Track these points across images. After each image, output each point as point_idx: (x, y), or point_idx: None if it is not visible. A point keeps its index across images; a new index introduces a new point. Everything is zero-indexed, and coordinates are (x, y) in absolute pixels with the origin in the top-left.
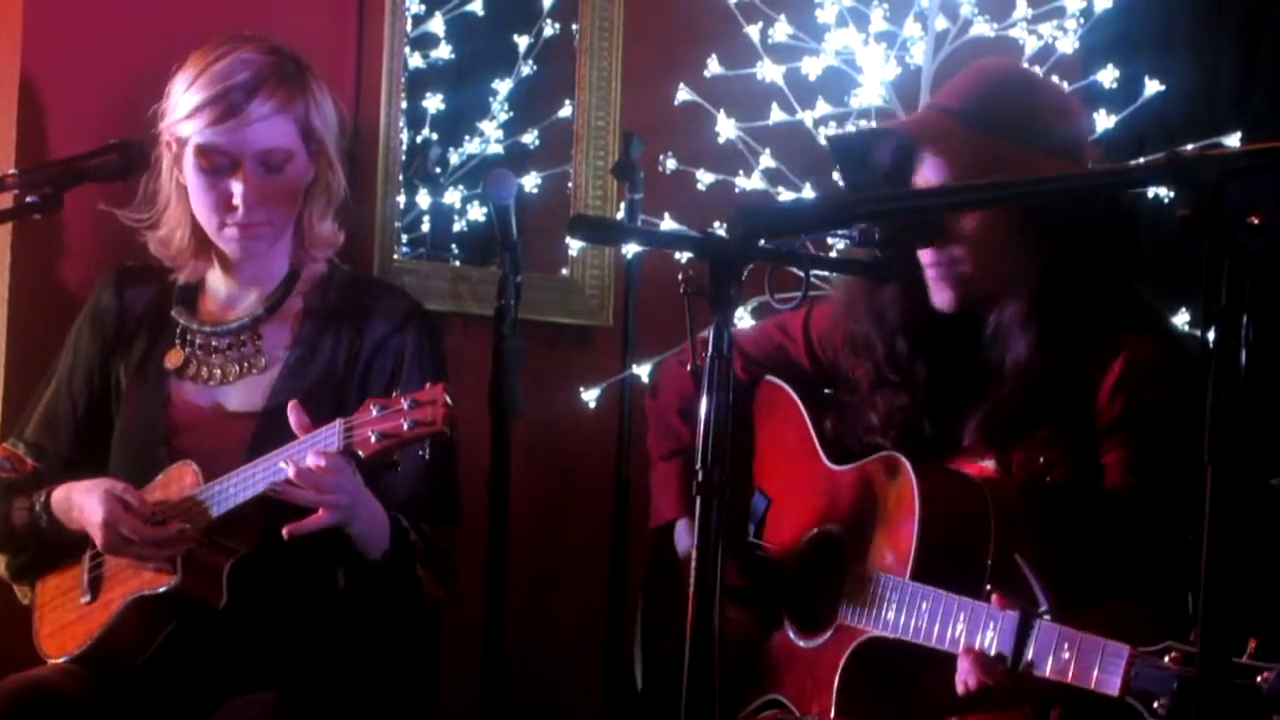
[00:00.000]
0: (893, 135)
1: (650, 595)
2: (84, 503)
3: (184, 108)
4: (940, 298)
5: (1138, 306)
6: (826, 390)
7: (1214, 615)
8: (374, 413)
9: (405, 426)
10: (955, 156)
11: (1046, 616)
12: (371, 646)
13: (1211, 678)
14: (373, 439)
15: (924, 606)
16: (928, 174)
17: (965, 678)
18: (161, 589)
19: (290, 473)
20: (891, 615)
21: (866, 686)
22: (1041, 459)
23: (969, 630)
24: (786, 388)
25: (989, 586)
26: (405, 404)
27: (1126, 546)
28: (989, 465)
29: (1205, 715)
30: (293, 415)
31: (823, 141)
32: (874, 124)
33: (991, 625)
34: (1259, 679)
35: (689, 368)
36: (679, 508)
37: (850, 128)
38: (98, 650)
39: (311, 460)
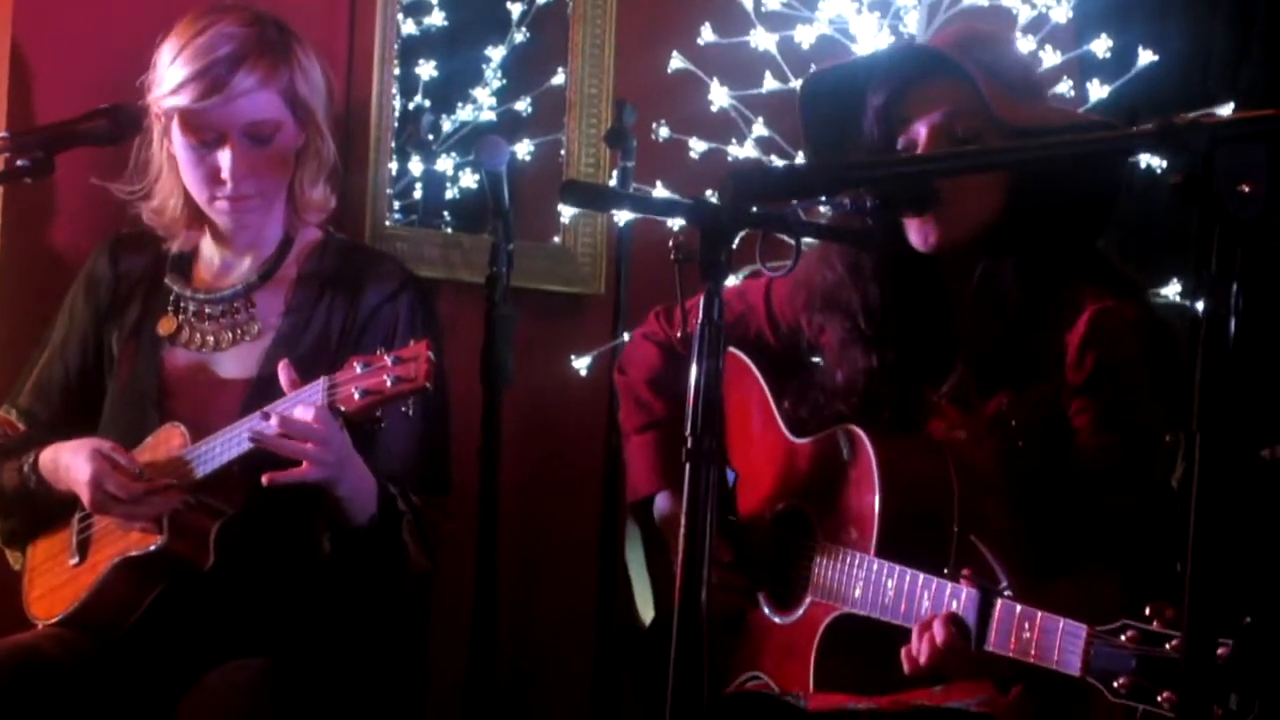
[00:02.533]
0: (882, 61)
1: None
2: (71, 462)
3: (169, 82)
4: (921, 240)
5: (1099, 264)
6: (787, 361)
7: (1201, 586)
8: (358, 370)
9: (388, 383)
10: (967, 77)
11: (1007, 593)
12: (361, 612)
13: (1198, 653)
14: (356, 396)
15: (889, 584)
16: (922, 107)
17: (917, 652)
18: (149, 549)
19: (274, 424)
20: (859, 593)
21: (843, 660)
22: (1012, 422)
23: (933, 607)
24: (747, 360)
25: (954, 568)
26: (389, 360)
27: (1099, 507)
28: (958, 435)
29: (1190, 692)
30: (283, 374)
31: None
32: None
33: (954, 602)
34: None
35: (679, 335)
36: (656, 481)
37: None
38: (85, 612)
39: (299, 412)
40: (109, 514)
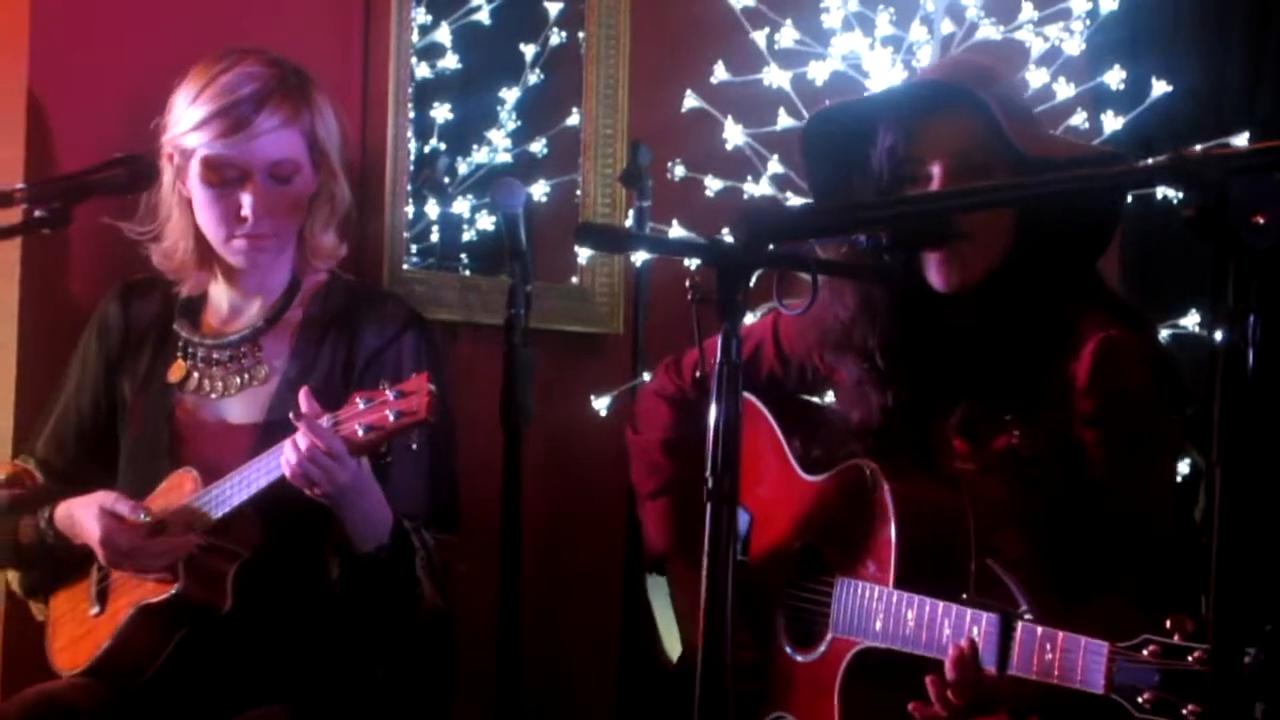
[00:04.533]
0: (892, 98)
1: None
2: (82, 518)
3: (189, 121)
4: (940, 279)
5: (1099, 289)
6: (796, 400)
7: (1225, 613)
8: (360, 406)
9: (391, 417)
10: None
11: (1027, 616)
12: (384, 654)
13: (1224, 678)
14: (360, 432)
15: (909, 615)
16: (935, 144)
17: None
18: (166, 595)
19: (303, 426)
20: (879, 625)
21: (867, 695)
22: (1023, 453)
23: (954, 635)
24: (756, 401)
25: (973, 596)
26: (390, 395)
27: (1114, 534)
28: (968, 468)
29: (1218, 703)
30: (304, 402)
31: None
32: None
33: (975, 629)
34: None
35: (696, 374)
36: (669, 545)
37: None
38: (107, 661)
39: (302, 439)
40: (124, 569)
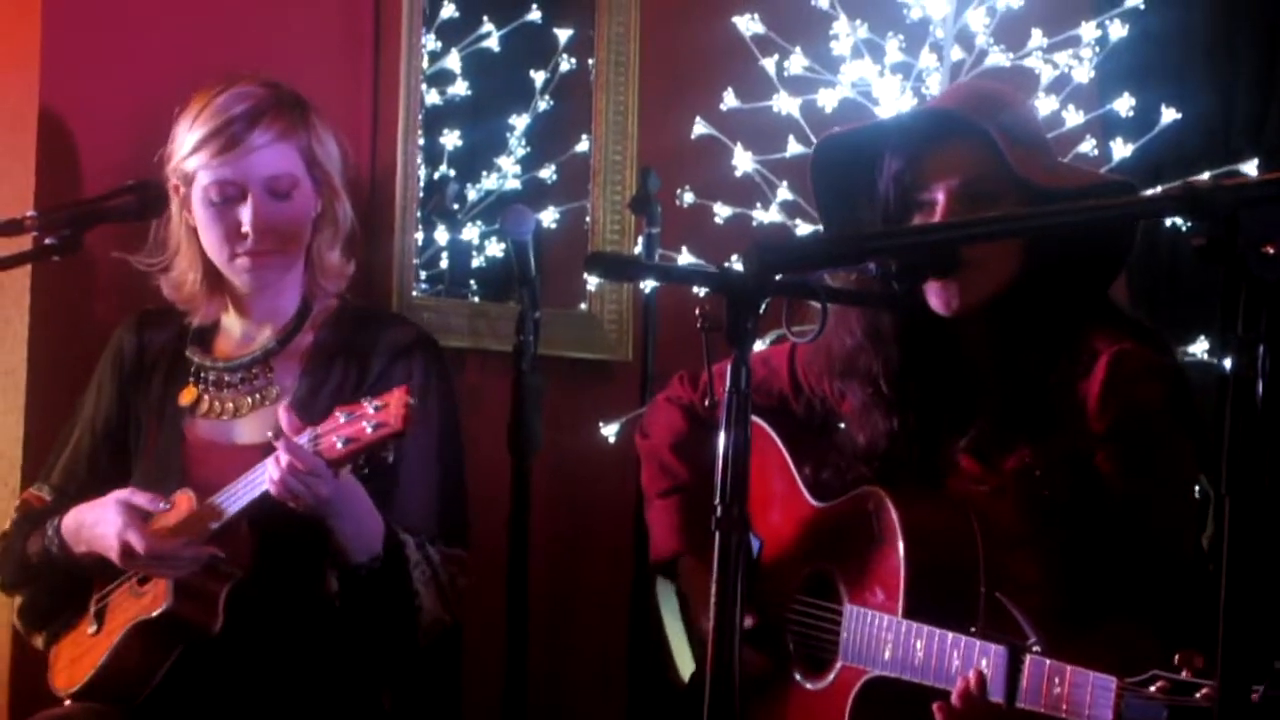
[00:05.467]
0: (899, 125)
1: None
2: (95, 519)
3: (188, 145)
4: (942, 304)
5: (1111, 311)
6: (807, 426)
7: (1234, 650)
8: (340, 419)
9: (368, 430)
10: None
11: (1036, 649)
12: (387, 672)
13: (1232, 708)
14: (339, 445)
15: (918, 645)
16: (940, 172)
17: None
18: (155, 613)
19: (282, 445)
20: (888, 654)
21: None
22: (1036, 472)
23: (963, 666)
24: (766, 427)
25: (982, 625)
26: (369, 409)
27: (1130, 555)
28: (980, 490)
29: None
30: (283, 417)
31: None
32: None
33: (984, 660)
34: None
35: (706, 402)
36: (679, 545)
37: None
38: (103, 679)
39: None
40: (140, 568)
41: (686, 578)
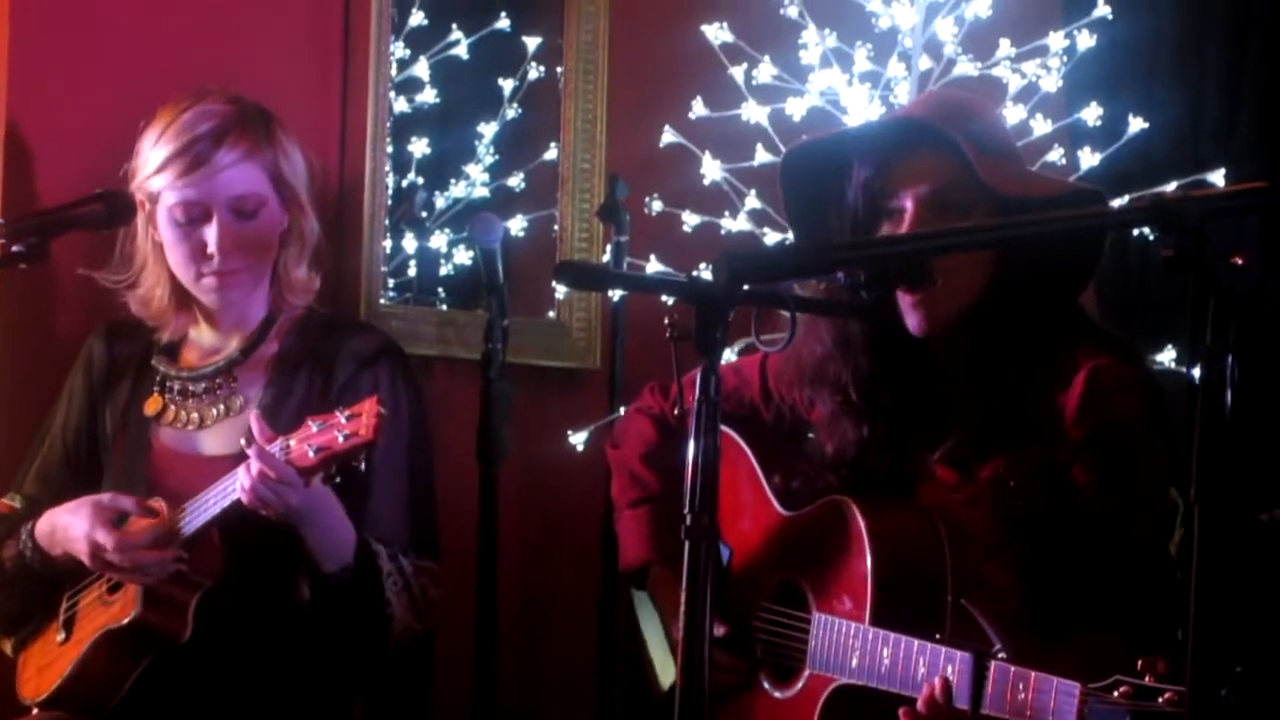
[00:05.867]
0: (868, 133)
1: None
2: (67, 523)
3: (153, 163)
4: (915, 323)
5: (1085, 323)
6: (776, 435)
7: (1202, 652)
8: (313, 429)
9: (340, 439)
10: (953, 145)
11: (1001, 655)
12: (359, 682)
13: (1202, 712)
14: (310, 454)
15: (884, 652)
16: (908, 180)
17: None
18: (124, 621)
19: (253, 453)
20: (855, 662)
21: None
22: (1010, 482)
23: (929, 673)
24: (735, 435)
25: (948, 633)
26: (341, 418)
27: (1102, 564)
28: (956, 497)
29: None
30: (254, 425)
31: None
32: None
33: (949, 667)
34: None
35: (675, 411)
36: (649, 554)
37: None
38: (71, 688)
39: (252, 464)
40: (105, 569)
41: (657, 588)
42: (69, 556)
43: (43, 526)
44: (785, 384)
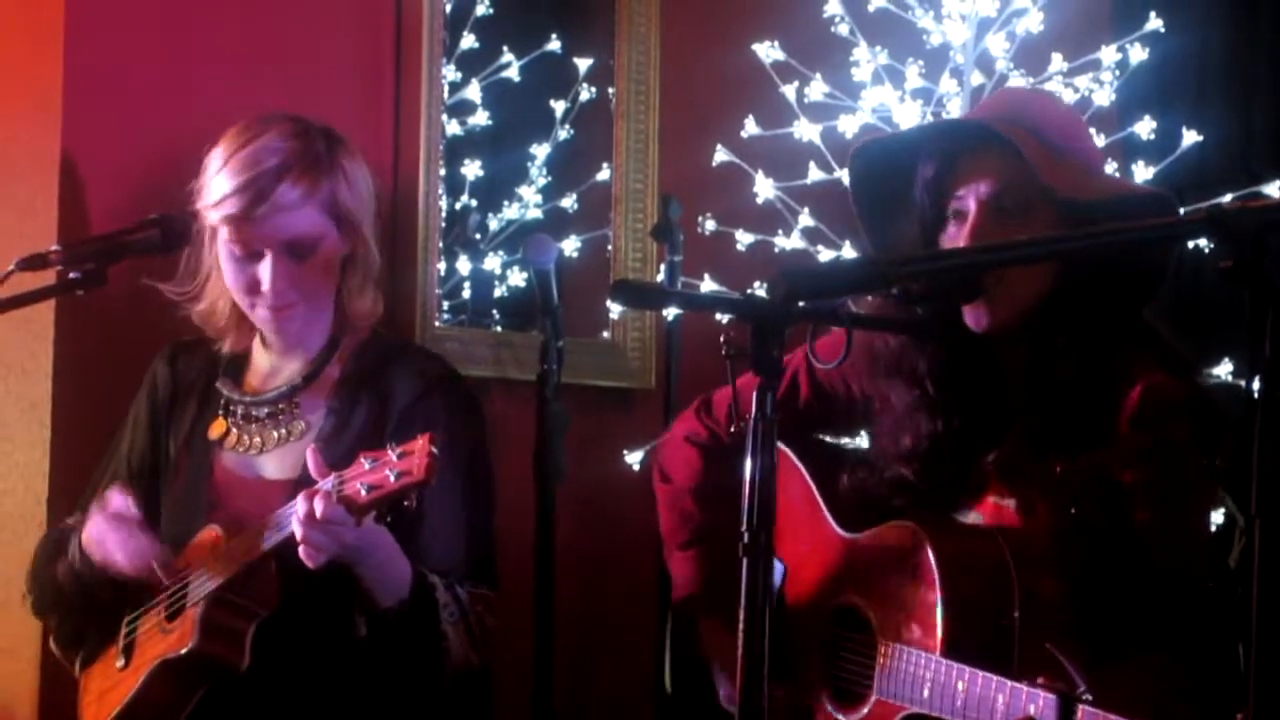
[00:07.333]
0: (931, 132)
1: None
2: (102, 532)
3: (214, 193)
4: (976, 320)
5: (1148, 336)
6: (829, 447)
7: (1265, 670)
8: (365, 466)
9: (391, 478)
10: (1017, 149)
11: (1087, 698)
12: (409, 711)
13: None
14: (362, 492)
15: (959, 687)
16: (972, 180)
17: None
18: (182, 651)
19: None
20: (927, 694)
21: None
22: (1066, 488)
23: (1008, 711)
24: (788, 451)
25: (1019, 661)
26: (393, 456)
27: (1153, 585)
28: (1009, 504)
29: None
30: (311, 461)
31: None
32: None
33: (1032, 706)
34: None
35: (731, 429)
36: (698, 600)
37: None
38: (130, 715)
39: (301, 506)
40: (147, 575)
41: (705, 638)
42: (111, 564)
43: (86, 536)
44: (840, 374)
